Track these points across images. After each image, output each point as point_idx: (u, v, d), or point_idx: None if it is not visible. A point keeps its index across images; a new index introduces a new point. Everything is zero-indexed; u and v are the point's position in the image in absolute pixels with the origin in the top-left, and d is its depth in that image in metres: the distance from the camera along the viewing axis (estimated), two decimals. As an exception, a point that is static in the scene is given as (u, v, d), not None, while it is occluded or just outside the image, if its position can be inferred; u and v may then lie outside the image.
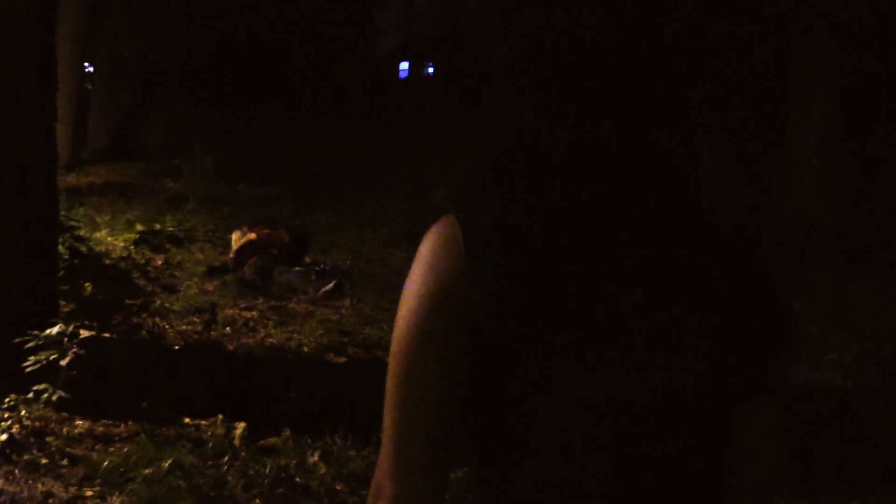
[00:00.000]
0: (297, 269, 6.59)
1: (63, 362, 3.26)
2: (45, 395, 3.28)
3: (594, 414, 0.89)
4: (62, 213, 5.53)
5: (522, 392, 0.89)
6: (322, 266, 6.78)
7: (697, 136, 0.97)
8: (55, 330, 3.36)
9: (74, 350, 3.29)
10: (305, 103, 16.79)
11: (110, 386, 3.58)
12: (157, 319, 4.73)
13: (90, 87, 14.11)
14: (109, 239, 7.27)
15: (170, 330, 4.80)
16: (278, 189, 10.53)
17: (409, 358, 0.91)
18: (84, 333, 3.56)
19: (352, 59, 21.94)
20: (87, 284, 4.39)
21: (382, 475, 0.93)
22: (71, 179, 11.26)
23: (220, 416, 3.46)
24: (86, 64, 14.47)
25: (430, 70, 30.87)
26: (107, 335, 3.86)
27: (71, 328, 3.38)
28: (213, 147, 11.12)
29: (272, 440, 3.37)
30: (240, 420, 3.47)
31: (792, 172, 10.28)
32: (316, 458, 3.25)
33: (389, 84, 23.85)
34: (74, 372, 3.33)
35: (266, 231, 6.99)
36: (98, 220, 8.34)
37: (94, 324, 3.77)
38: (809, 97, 10.14)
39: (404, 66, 31.94)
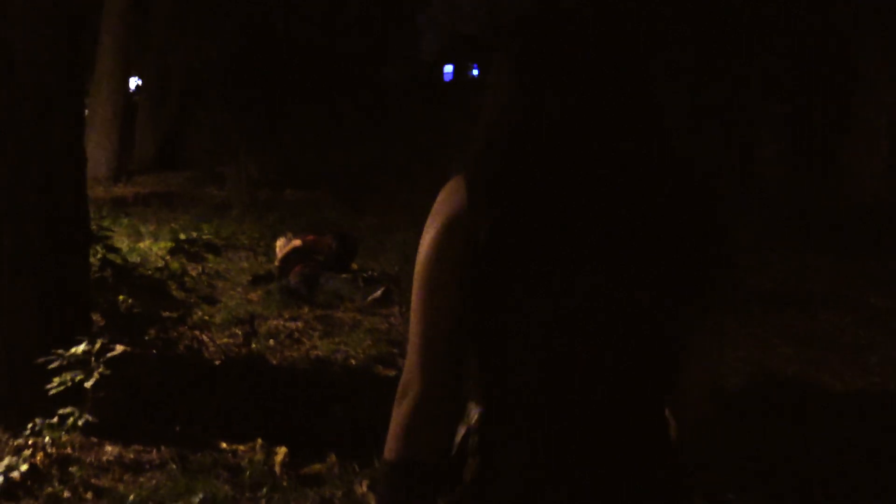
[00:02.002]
0: (344, 276, 6.31)
1: (88, 384, 2.99)
2: (71, 420, 3.01)
3: (566, 318, 1.11)
4: (100, 222, 5.32)
5: (511, 300, 1.10)
6: (370, 272, 6.51)
7: (661, 106, 1.16)
8: (81, 348, 3.09)
9: (101, 370, 3.01)
10: (350, 107, 16.59)
11: (143, 407, 3.30)
12: (196, 332, 4.47)
13: (138, 100, 14.10)
14: (154, 248, 7.07)
15: (209, 343, 4.53)
16: (324, 194, 10.30)
17: (428, 276, 1.14)
18: (118, 347, 3.30)
19: (395, 62, 21.75)
20: (120, 297, 4.14)
21: (410, 375, 1.15)
22: (117, 190, 11.20)
23: (260, 441, 3.15)
24: (136, 78, 14.45)
25: (475, 72, 30.57)
26: (140, 351, 3.60)
27: (98, 346, 3.10)
28: (257, 153, 10.95)
29: (316, 467, 3.05)
30: (281, 443, 3.16)
31: (860, 156, 9.66)
32: (364, 488, 2.92)
33: (434, 86, 23.59)
34: (102, 393, 3.06)
35: (312, 237, 6.72)
36: (142, 229, 8.18)
37: (126, 340, 3.51)
38: (877, 76, 9.51)
39: (448, 68, 31.71)
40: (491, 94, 1.20)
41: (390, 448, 1.15)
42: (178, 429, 3.19)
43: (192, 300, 4.86)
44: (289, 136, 13.80)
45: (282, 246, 6.67)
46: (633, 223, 1.11)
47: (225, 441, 3.19)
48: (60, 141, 3.78)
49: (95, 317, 3.97)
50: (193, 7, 13.73)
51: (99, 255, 4.17)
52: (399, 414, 1.14)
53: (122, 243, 7.09)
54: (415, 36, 25.65)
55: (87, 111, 11.93)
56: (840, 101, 9.89)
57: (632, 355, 1.13)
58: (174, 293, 4.54)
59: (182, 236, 6.28)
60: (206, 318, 4.81)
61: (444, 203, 1.16)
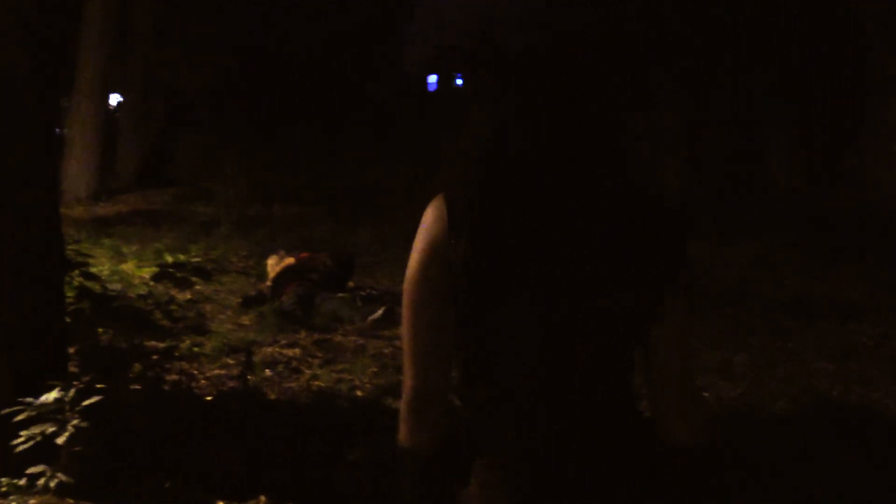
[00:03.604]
0: (341, 295, 5.90)
1: (60, 440, 2.56)
2: (42, 480, 2.58)
3: (533, 332, 1.27)
4: (79, 246, 4.88)
5: (488, 314, 1.27)
6: (368, 290, 6.10)
7: (626, 133, 1.30)
8: (52, 396, 2.66)
9: (75, 423, 2.58)
10: (338, 120, 16.21)
11: (126, 461, 2.87)
12: (185, 365, 4.04)
13: (119, 116, 13.66)
14: (137, 272, 6.63)
15: (200, 377, 4.11)
16: (316, 209, 9.89)
17: (413, 294, 1.31)
18: (98, 386, 2.88)
19: (383, 75, 21.42)
20: (100, 330, 3.71)
21: (404, 375, 1.33)
22: (99, 209, 10.75)
23: (263, 499, 2.73)
24: (116, 95, 13.98)
25: (460, 82, 30.36)
26: (122, 393, 3.17)
27: (72, 393, 2.68)
28: (245, 168, 10.52)
29: (329, 529, 2.63)
30: (287, 499, 2.74)
31: (875, 162, 9.33)
32: (388, 553, 2.51)
33: (419, 98, 23.33)
34: (78, 448, 2.63)
35: (305, 255, 6.30)
36: (125, 250, 7.71)
37: (107, 379, 3.09)
38: (887, 75, 9.19)
39: (433, 79, 31.50)
40: (477, 122, 1.46)
41: (400, 433, 1.33)
42: (167, 486, 2.76)
43: (179, 327, 4.44)
44: (278, 150, 13.40)
45: (273, 264, 6.25)
46: (600, 241, 1.26)
47: (222, 499, 2.76)
48: (32, 160, 3.35)
49: (72, 350, 3.55)
50: (178, 23, 13.32)
51: (75, 284, 3.74)
52: (402, 405, 1.33)
53: (104, 266, 6.65)
54: (400, 48, 25.37)
55: (66, 129, 11.50)
56: (853, 104, 9.56)
57: (602, 355, 1.28)
58: (160, 322, 4.12)
59: (168, 258, 5.84)
60: (195, 348, 4.39)
61: (428, 225, 1.30)
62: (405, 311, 1.31)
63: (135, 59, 12.71)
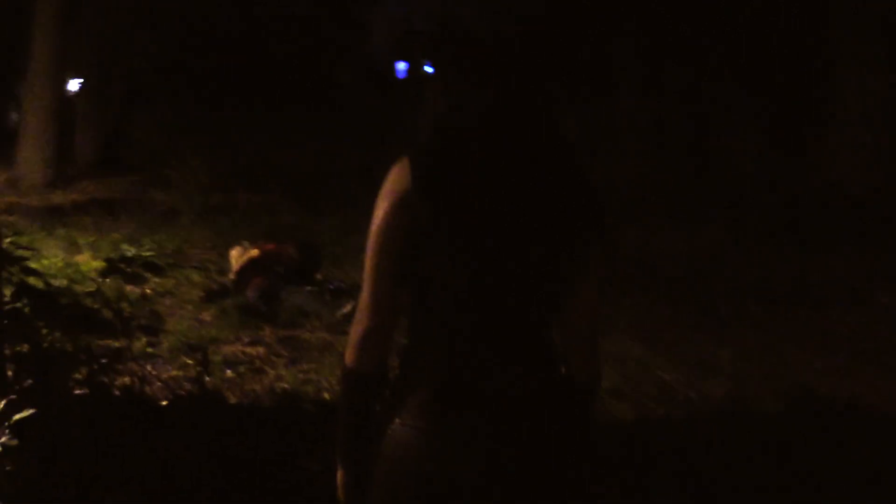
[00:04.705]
0: (309, 288, 5.64)
1: (-13, 460, 2.28)
2: (-31, 504, 2.31)
3: (476, 280, 1.44)
4: (33, 236, 4.56)
5: (438, 262, 1.43)
6: (336, 283, 5.84)
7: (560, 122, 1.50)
8: (-21, 409, 2.39)
9: (6, 440, 2.31)
10: (303, 106, 15.86)
11: (67, 479, 2.60)
12: (137, 367, 3.76)
13: (76, 101, 13.18)
14: (91, 265, 6.29)
15: (154, 379, 3.83)
16: (280, 197, 9.57)
17: (379, 242, 1.46)
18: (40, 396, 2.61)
19: (348, 60, 21.09)
20: (44, 331, 3.42)
21: (362, 307, 1.49)
22: (54, 197, 10.33)
23: (219, 520, 2.48)
24: (79, 79, 13.49)
25: (429, 70, 30.11)
26: (64, 399, 2.90)
27: (2, 405, 2.40)
28: (207, 155, 10.16)
29: (292, 553, 2.39)
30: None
31: (832, 140, 9.20)
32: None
33: (387, 83, 23.04)
34: (11, 467, 2.36)
35: (270, 246, 6.01)
36: (80, 241, 7.34)
37: (46, 389, 2.81)
38: (849, 56, 9.06)
39: (402, 65, 31.27)
40: (440, 97, 1.52)
41: (346, 356, 1.52)
42: (111, 507, 2.50)
43: (133, 326, 4.16)
44: (242, 136, 13.04)
45: (237, 256, 5.96)
46: (534, 210, 1.44)
47: (174, 521, 2.51)
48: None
49: (8, 353, 3.26)
50: (134, 4, 12.85)
51: (14, 280, 3.44)
52: (353, 334, 1.51)
53: (56, 258, 6.31)
54: (367, 33, 25.05)
55: (21, 114, 11.03)
56: (816, 87, 9.44)
57: (526, 301, 1.46)
58: (112, 320, 3.83)
59: (127, 249, 5.51)
60: (150, 349, 4.10)
61: (394, 184, 1.44)
62: (369, 258, 1.46)
63: (90, 41, 12.26)
